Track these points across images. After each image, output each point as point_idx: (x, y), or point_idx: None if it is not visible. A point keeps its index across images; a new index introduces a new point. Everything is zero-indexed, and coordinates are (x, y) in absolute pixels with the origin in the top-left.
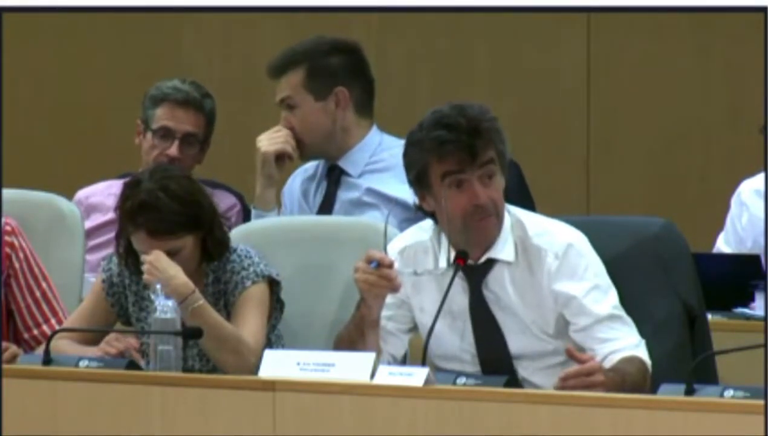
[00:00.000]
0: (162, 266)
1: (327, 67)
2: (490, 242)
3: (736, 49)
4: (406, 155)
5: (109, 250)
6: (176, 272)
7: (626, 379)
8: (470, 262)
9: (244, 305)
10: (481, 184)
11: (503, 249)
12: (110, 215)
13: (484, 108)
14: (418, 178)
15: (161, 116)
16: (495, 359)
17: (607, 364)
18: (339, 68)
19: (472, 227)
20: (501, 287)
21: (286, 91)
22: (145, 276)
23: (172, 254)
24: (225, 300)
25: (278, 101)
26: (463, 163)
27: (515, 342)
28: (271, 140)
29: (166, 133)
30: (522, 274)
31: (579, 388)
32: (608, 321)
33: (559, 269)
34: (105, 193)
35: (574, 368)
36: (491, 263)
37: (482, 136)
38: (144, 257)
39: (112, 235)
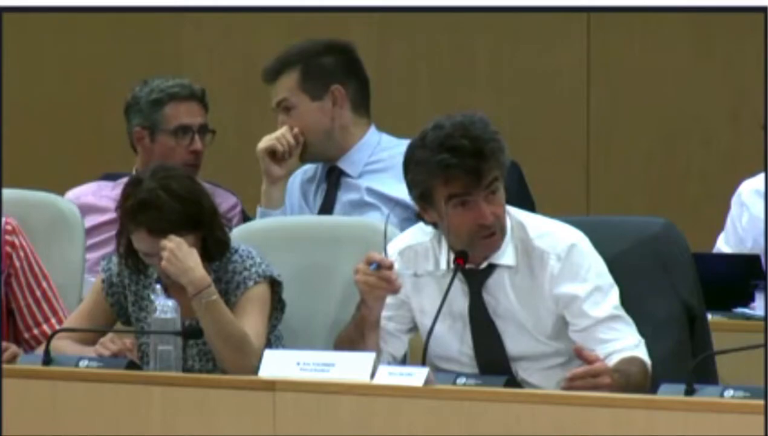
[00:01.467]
0: (182, 255)
1: (321, 66)
2: (491, 251)
3: (736, 49)
4: (409, 173)
5: (101, 251)
6: (195, 264)
7: (630, 381)
8: (471, 266)
9: (246, 305)
10: (486, 202)
11: (504, 254)
12: (106, 216)
13: (485, 122)
14: (422, 197)
15: (173, 115)
16: (493, 363)
17: (608, 364)
18: (333, 67)
19: (478, 243)
20: (501, 291)
21: (283, 94)
22: (163, 263)
23: None
24: (226, 300)
25: (275, 105)
26: (468, 186)
27: (514, 345)
28: (267, 138)
29: (184, 131)
30: (523, 277)
31: (586, 389)
32: (609, 321)
33: (562, 271)
34: (97, 194)
35: (581, 368)
36: (492, 267)
37: (487, 158)
38: (164, 243)
39: (103, 236)
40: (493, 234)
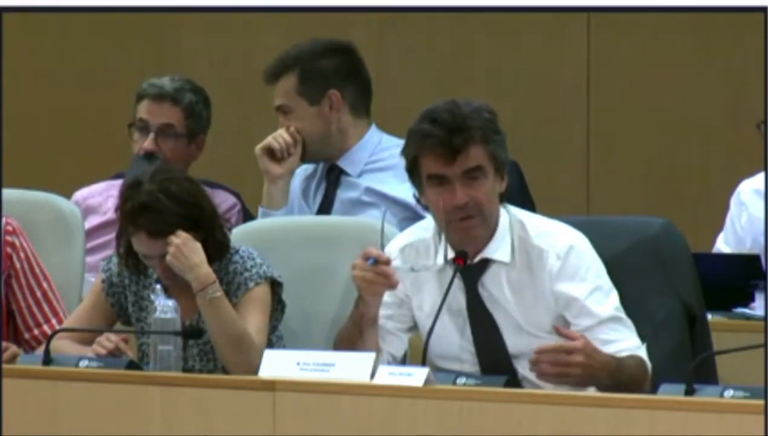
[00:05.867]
0: (188, 251)
1: (318, 70)
2: (478, 242)
3: (736, 49)
4: (403, 147)
5: (107, 251)
6: (201, 260)
7: (624, 368)
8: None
9: (247, 306)
10: (462, 184)
11: (498, 249)
12: (108, 217)
13: (482, 108)
14: (411, 172)
15: (139, 111)
16: (494, 358)
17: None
18: (331, 71)
19: (453, 226)
20: (497, 287)
21: (281, 99)
22: (169, 258)
23: None
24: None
25: (275, 108)
26: (443, 160)
27: (513, 341)
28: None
29: (143, 127)
30: (520, 274)
31: (555, 365)
32: (610, 323)
33: (561, 270)
34: (104, 194)
35: (553, 343)
36: (487, 262)
37: (464, 132)
38: (171, 239)
39: (108, 236)
40: (468, 217)
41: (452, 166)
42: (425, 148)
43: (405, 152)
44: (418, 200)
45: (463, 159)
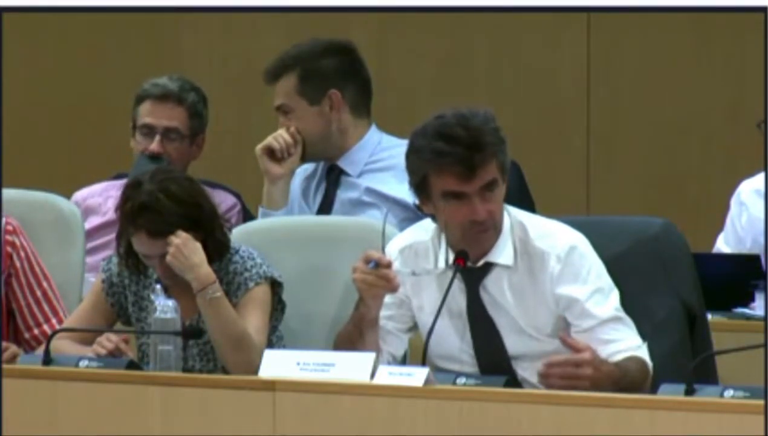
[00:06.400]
0: (188, 252)
1: (319, 70)
2: (487, 249)
3: (736, 49)
4: (408, 160)
5: (107, 252)
6: (201, 260)
7: (627, 375)
8: (468, 264)
9: (247, 306)
10: (481, 199)
11: (502, 253)
12: (107, 217)
13: (488, 117)
14: (418, 187)
15: (143, 114)
16: (493, 361)
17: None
18: (331, 71)
19: (470, 238)
20: (499, 290)
21: (281, 99)
22: (169, 258)
23: None
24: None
25: (275, 108)
26: (462, 177)
27: (514, 343)
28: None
29: (148, 131)
30: (521, 277)
31: (564, 378)
32: (611, 323)
33: (562, 272)
34: (103, 195)
35: (561, 356)
36: (489, 266)
37: (482, 150)
38: (171, 239)
39: (109, 237)
40: (485, 230)
41: (471, 183)
42: (443, 166)
43: (413, 169)
44: (419, 208)
45: (482, 175)
